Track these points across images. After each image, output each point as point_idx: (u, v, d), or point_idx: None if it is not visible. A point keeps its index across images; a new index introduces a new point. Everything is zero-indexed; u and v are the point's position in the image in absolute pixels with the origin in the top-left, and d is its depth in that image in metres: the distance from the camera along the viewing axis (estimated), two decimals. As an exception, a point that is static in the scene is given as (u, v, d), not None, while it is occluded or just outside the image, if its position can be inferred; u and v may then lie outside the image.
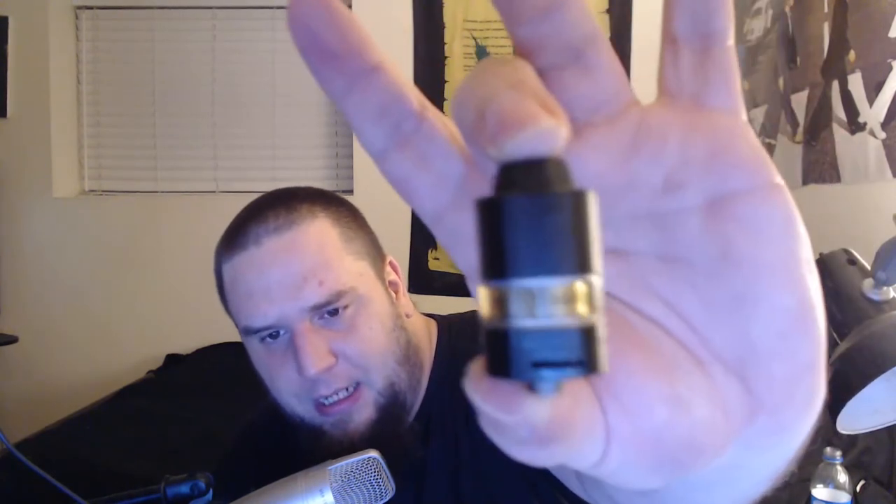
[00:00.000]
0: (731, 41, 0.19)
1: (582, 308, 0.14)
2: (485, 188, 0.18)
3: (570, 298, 0.14)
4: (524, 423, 0.15)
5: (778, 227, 0.18)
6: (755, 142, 0.18)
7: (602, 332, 0.14)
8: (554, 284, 0.14)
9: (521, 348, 0.14)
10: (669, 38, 0.19)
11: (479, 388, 0.15)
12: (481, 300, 0.15)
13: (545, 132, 0.14)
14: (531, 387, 0.14)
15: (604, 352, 0.14)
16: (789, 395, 0.18)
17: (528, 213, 0.14)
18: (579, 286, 0.14)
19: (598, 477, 0.18)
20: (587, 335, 0.14)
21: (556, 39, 0.17)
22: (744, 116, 0.19)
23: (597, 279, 0.14)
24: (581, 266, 0.14)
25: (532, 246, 0.14)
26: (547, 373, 0.14)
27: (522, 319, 0.14)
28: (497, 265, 0.14)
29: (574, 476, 0.34)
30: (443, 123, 0.19)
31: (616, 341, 0.18)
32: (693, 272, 0.18)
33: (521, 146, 0.14)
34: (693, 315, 0.18)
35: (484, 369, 0.15)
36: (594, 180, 0.18)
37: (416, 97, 0.18)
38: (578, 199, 0.14)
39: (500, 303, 0.14)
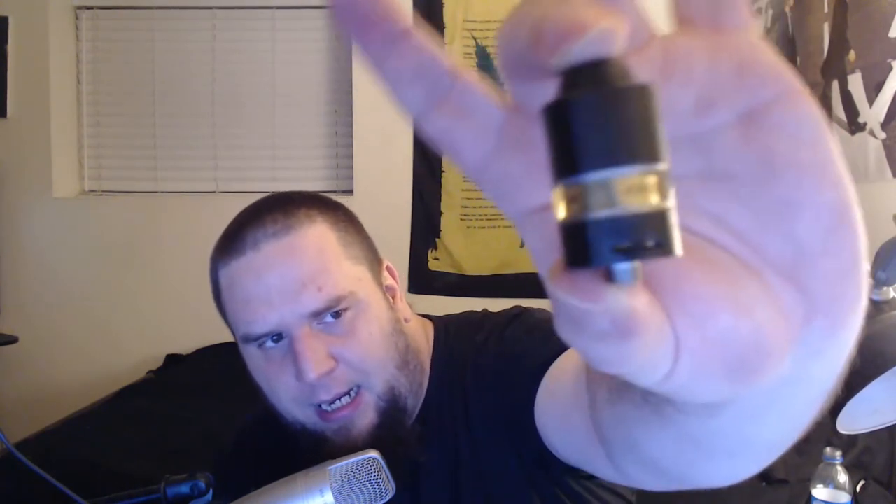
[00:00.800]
0: None
1: (654, 195, 0.15)
2: (526, 130, 0.19)
3: (643, 187, 0.15)
4: (607, 311, 0.16)
5: (811, 129, 0.18)
6: (773, 53, 0.19)
7: (674, 217, 0.15)
8: (627, 174, 0.14)
9: (599, 236, 0.15)
10: None
11: (560, 283, 0.16)
12: (555, 202, 0.16)
13: (605, 32, 0.14)
14: (610, 277, 0.15)
15: (677, 235, 0.15)
16: (840, 291, 0.19)
17: (597, 109, 0.14)
18: (650, 175, 0.15)
19: (670, 392, 0.19)
20: (661, 219, 0.15)
21: None
22: (756, 31, 0.20)
23: (665, 167, 0.15)
24: (651, 156, 0.15)
25: (603, 140, 0.14)
26: (626, 256, 0.15)
27: (599, 210, 0.15)
28: (571, 162, 0.15)
29: (601, 452, 0.34)
30: (476, 78, 0.20)
31: (676, 258, 0.19)
32: (737, 185, 0.19)
33: (583, 49, 0.14)
34: (742, 226, 0.19)
35: (563, 265, 0.16)
36: None
37: (447, 57, 0.20)
38: (643, 92, 0.15)
39: (576, 198, 0.15)
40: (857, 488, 1.15)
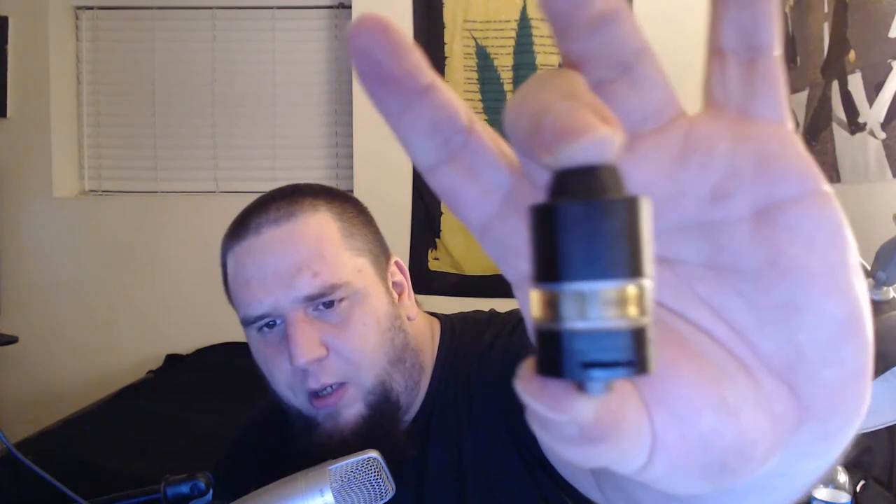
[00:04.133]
0: (778, 51, 0.19)
1: (632, 310, 0.14)
2: (532, 198, 0.18)
3: (621, 301, 0.14)
4: (573, 421, 0.15)
5: (826, 235, 0.18)
6: (803, 150, 0.18)
7: (651, 333, 0.15)
8: (605, 287, 0.14)
9: (573, 349, 0.14)
10: (716, 50, 0.19)
11: (529, 388, 0.15)
12: (533, 303, 0.15)
13: (600, 140, 0.14)
14: (581, 386, 0.15)
15: (653, 353, 0.15)
16: (837, 401, 0.18)
17: (582, 219, 0.14)
18: (630, 289, 0.14)
19: (644, 482, 0.18)
20: (637, 336, 0.14)
21: (606, 54, 0.17)
22: (791, 127, 0.19)
23: (647, 283, 0.15)
24: (632, 270, 0.14)
25: (585, 250, 0.14)
26: (597, 373, 0.14)
27: (574, 321, 0.14)
28: (550, 268, 0.15)
29: (591, 481, 0.34)
30: (490, 137, 0.19)
31: (664, 348, 0.18)
32: (741, 280, 0.18)
33: (576, 154, 0.14)
34: (741, 323, 0.19)
35: (534, 369, 0.15)
36: (642, 190, 0.19)
37: (465, 113, 0.19)
38: (631, 205, 0.14)
39: (552, 305, 0.15)
40: (857, 488, 1.15)
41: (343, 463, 0.58)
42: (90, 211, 2.79)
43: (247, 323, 0.67)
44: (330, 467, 0.57)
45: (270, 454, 0.77)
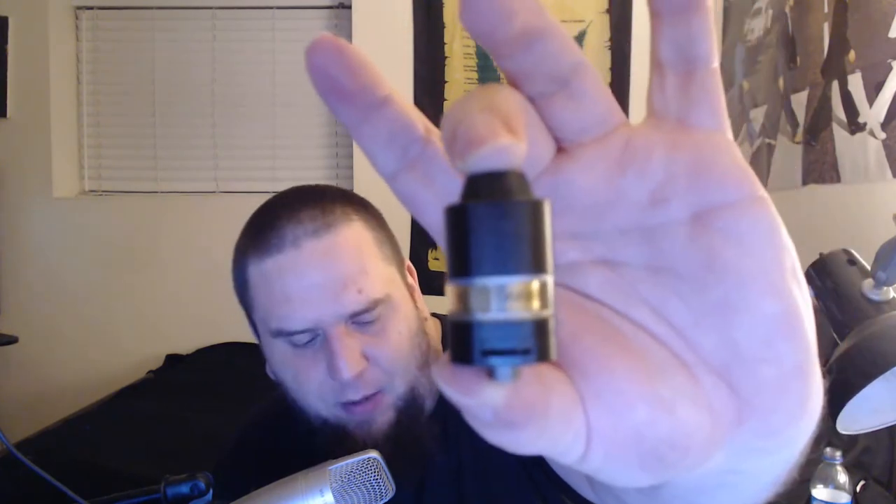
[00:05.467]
0: (715, 64, 0.19)
1: (534, 303, 0.16)
2: None
3: (524, 295, 0.16)
4: (484, 405, 0.16)
5: (760, 238, 0.19)
6: (738, 157, 0.19)
7: (552, 325, 0.16)
8: (509, 282, 0.15)
9: (479, 338, 0.16)
10: (656, 62, 0.20)
11: (442, 375, 0.17)
12: (448, 297, 0.16)
13: (502, 148, 0.15)
14: (490, 373, 0.16)
15: (553, 342, 0.16)
16: (777, 398, 0.19)
17: (487, 219, 0.15)
18: (532, 284, 0.16)
19: (587, 472, 0.19)
20: (538, 327, 0.16)
21: (540, 70, 0.18)
22: (729, 134, 0.20)
23: (549, 278, 0.16)
24: (534, 267, 0.16)
25: (490, 248, 0.15)
26: (499, 360, 0.16)
27: (480, 313, 0.16)
28: (460, 265, 0.16)
29: (585, 480, 0.34)
30: None
31: (600, 343, 0.19)
32: (679, 281, 0.19)
33: (481, 159, 0.15)
34: (680, 322, 0.19)
35: (448, 358, 0.16)
36: (582, 196, 0.20)
37: (421, 123, 0.20)
38: (533, 207, 0.16)
39: (463, 298, 0.16)
40: (857, 488, 1.15)
41: (343, 463, 0.58)
42: (90, 211, 2.79)
43: (279, 335, 0.65)
44: (330, 467, 0.57)
45: (271, 454, 0.77)
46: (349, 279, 0.63)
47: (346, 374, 0.62)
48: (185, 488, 0.63)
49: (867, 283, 0.80)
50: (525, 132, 0.16)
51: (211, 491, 0.64)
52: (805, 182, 1.73)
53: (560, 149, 0.20)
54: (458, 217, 0.16)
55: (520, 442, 0.17)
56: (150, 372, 2.52)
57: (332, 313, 0.63)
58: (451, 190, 0.20)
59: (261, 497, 0.57)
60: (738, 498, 0.23)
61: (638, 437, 0.18)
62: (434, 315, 0.81)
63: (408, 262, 0.76)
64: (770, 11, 2.02)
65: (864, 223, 1.45)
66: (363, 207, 0.71)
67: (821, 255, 0.86)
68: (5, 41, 2.67)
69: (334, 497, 0.56)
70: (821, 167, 1.66)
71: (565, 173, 0.20)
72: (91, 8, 2.82)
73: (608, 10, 2.55)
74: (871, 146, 1.44)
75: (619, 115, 0.20)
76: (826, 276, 0.84)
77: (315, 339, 0.65)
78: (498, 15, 0.17)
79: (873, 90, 1.43)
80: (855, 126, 1.50)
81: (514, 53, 0.18)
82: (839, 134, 1.57)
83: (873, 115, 1.43)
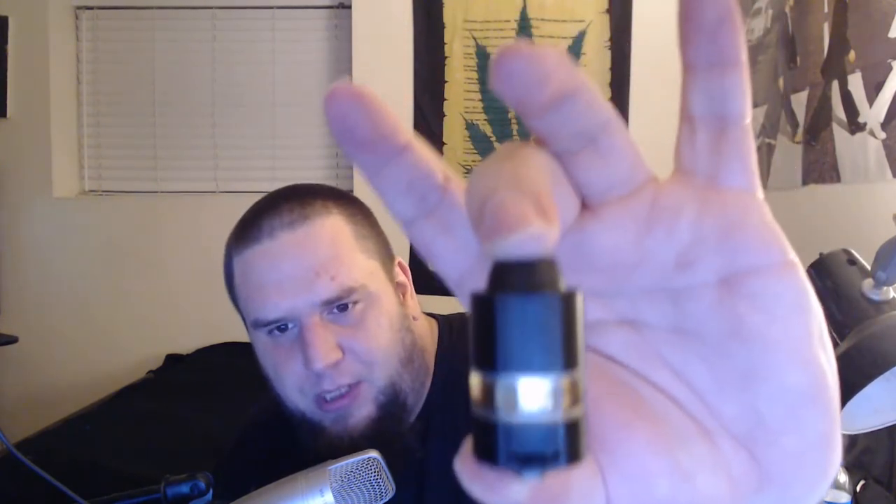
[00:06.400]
0: (747, 120, 0.19)
1: (564, 403, 0.15)
2: None
3: (553, 394, 0.15)
4: (508, 502, 0.15)
5: (789, 305, 0.18)
6: (769, 219, 0.19)
7: (583, 424, 0.15)
8: (537, 382, 0.15)
9: (506, 440, 0.15)
10: (687, 117, 0.19)
11: (465, 471, 0.16)
12: (472, 386, 0.16)
13: (534, 236, 0.14)
14: (517, 473, 0.15)
15: (584, 442, 0.15)
16: (798, 469, 0.19)
17: (516, 313, 0.15)
18: (563, 383, 0.15)
19: None
20: (568, 430, 0.15)
21: (568, 128, 0.18)
22: (760, 194, 0.19)
23: (579, 374, 0.15)
24: (564, 364, 0.15)
25: (519, 344, 0.15)
26: (526, 466, 0.15)
27: (507, 413, 0.15)
28: (486, 358, 0.15)
29: None
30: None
31: (622, 412, 0.18)
32: (703, 346, 0.19)
33: (511, 248, 0.14)
34: (702, 387, 0.19)
35: (472, 451, 0.16)
36: (607, 256, 0.19)
37: (440, 171, 0.19)
38: (565, 301, 0.15)
39: (488, 393, 0.15)
40: (857, 488, 1.15)
41: (343, 463, 0.58)
42: (90, 211, 2.79)
43: (258, 326, 0.66)
44: (330, 467, 0.57)
45: (271, 454, 0.77)
46: (321, 267, 0.64)
47: (319, 364, 0.62)
48: (185, 488, 0.63)
49: (867, 283, 0.80)
50: (556, 210, 0.15)
51: (211, 491, 0.64)
52: (805, 182, 1.73)
53: (585, 206, 0.19)
54: (485, 307, 0.15)
55: None
56: (150, 372, 2.52)
57: (305, 302, 0.64)
58: (468, 239, 0.20)
59: (261, 497, 0.57)
60: None
61: None
62: (433, 315, 0.81)
63: (399, 259, 0.76)
64: (770, 11, 2.02)
65: (864, 223, 1.45)
66: (349, 203, 0.71)
67: (821, 255, 0.86)
68: (5, 41, 2.67)
69: (334, 497, 0.56)
70: (821, 167, 1.66)
71: (590, 232, 0.19)
72: (91, 8, 2.82)
73: (608, 10, 2.55)
74: (871, 146, 1.44)
75: (646, 171, 0.19)
76: (826, 276, 0.84)
77: (291, 330, 0.66)
78: (533, 81, 0.16)
79: (873, 90, 1.43)
80: (855, 126, 1.50)
81: (542, 115, 0.17)
82: (839, 134, 1.57)
83: (873, 115, 1.43)
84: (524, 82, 0.17)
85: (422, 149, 0.19)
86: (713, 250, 0.18)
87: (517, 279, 0.15)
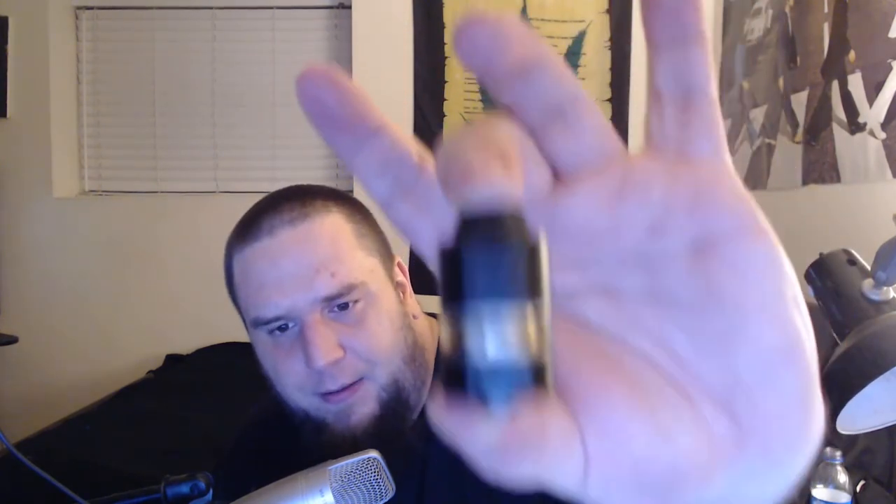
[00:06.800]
0: (713, 93, 0.19)
1: (530, 342, 0.16)
2: None
3: (519, 334, 0.16)
4: (478, 442, 0.16)
5: (761, 267, 0.18)
6: (738, 186, 0.19)
7: (549, 362, 0.16)
8: (504, 321, 0.16)
9: (473, 376, 0.16)
10: (653, 92, 0.20)
11: (436, 411, 0.16)
12: (442, 332, 0.16)
13: (497, 182, 0.15)
14: (486, 410, 0.16)
15: (550, 380, 0.16)
16: (778, 428, 0.19)
17: (481, 260, 0.16)
18: (528, 323, 0.16)
19: (586, 502, 0.19)
20: (533, 365, 0.16)
21: (537, 101, 0.18)
22: (729, 164, 0.20)
23: (545, 316, 0.16)
24: (528, 308, 0.16)
25: (485, 287, 0.16)
26: (495, 398, 0.16)
27: (474, 353, 0.16)
28: (453, 304, 0.16)
29: None
30: None
31: (598, 371, 0.19)
32: (679, 311, 0.19)
33: (475, 194, 0.15)
34: (679, 350, 0.19)
35: (443, 394, 0.16)
36: (581, 226, 0.20)
37: (415, 151, 0.20)
38: (529, 248, 0.16)
39: (456, 336, 0.16)
40: (857, 488, 1.15)
41: (343, 463, 0.58)
42: (90, 211, 2.79)
43: (258, 325, 0.66)
44: (330, 467, 0.57)
45: (271, 454, 0.77)
46: (321, 264, 0.64)
47: (320, 362, 0.62)
48: (185, 488, 0.63)
49: (867, 283, 0.80)
50: (520, 166, 0.16)
51: (211, 491, 0.64)
52: (805, 182, 1.73)
53: (558, 179, 0.20)
54: (451, 259, 0.16)
55: (515, 475, 0.17)
56: (150, 372, 2.52)
57: (305, 299, 0.64)
58: (446, 218, 0.20)
59: (261, 497, 0.57)
60: None
61: (637, 465, 0.18)
62: (431, 315, 0.81)
63: (398, 259, 0.76)
64: (770, 11, 2.02)
65: (864, 223, 1.45)
66: (349, 202, 0.71)
67: (821, 255, 0.86)
68: (5, 41, 2.67)
69: (334, 497, 0.56)
70: (821, 167, 1.66)
71: (563, 203, 0.19)
72: (91, 8, 2.82)
73: (608, 10, 2.55)
74: (871, 146, 1.44)
75: (617, 144, 0.20)
76: (826, 276, 0.84)
77: (292, 329, 0.66)
78: (493, 47, 0.17)
79: (873, 90, 1.43)
80: (855, 126, 1.50)
81: (510, 86, 0.18)
82: (839, 134, 1.57)
83: (873, 115, 1.43)
84: (486, 49, 0.17)
85: (396, 130, 0.20)
86: (685, 216, 0.19)
87: (482, 228, 0.16)
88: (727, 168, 0.19)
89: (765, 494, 0.21)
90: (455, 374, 0.16)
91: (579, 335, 0.20)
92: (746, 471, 0.19)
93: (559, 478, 0.18)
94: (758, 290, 0.18)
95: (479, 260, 0.15)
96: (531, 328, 0.16)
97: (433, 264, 0.20)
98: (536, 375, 0.16)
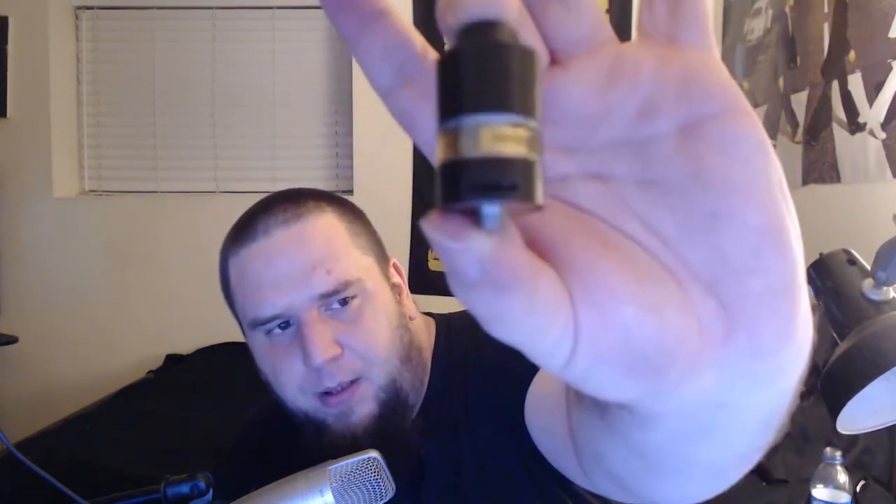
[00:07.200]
0: None
1: (521, 146, 0.16)
2: None
3: (511, 137, 0.16)
4: (470, 251, 0.16)
5: (747, 149, 0.19)
6: (725, 73, 0.20)
7: (540, 169, 0.16)
8: (497, 121, 0.16)
9: (466, 174, 0.16)
10: None
11: (430, 220, 0.17)
12: (437, 147, 0.17)
13: None
14: (478, 222, 0.16)
15: (540, 186, 0.16)
16: (765, 313, 0.19)
17: (477, 59, 0.16)
18: (521, 127, 0.16)
19: (573, 380, 0.19)
20: (524, 167, 0.16)
21: None
22: (716, 54, 0.20)
23: (536, 123, 0.16)
24: (523, 109, 0.16)
25: (478, 88, 0.16)
26: (484, 195, 0.16)
27: (467, 151, 0.16)
28: (449, 106, 0.16)
29: (575, 464, 0.34)
30: None
31: (590, 244, 0.19)
32: (668, 193, 0.20)
33: (472, 7, 0.16)
34: (668, 233, 0.20)
35: (437, 204, 0.17)
36: (573, 108, 0.20)
37: (419, 41, 0.20)
38: (523, 54, 0.16)
39: (452, 140, 0.16)
40: (857, 488, 1.15)
41: (343, 463, 0.58)
42: (90, 211, 2.79)
43: (255, 325, 0.66)
44: (330, 467, 0.57)
45: (271, 454, 0.77)
46: (317, 262, 0.64)
47: (318, 359, 0.62)
48: (185, 488, 0.63)
49: (867, 283, 0.80)
50: None
51: (211, 491, 0.64)
52: (805, 182, 1.73)
53: (552, 60, 0.20)
54: (446, 62, 0.16)
55: (505, 312, 0.17)
56: (150, 372, 2.52)
57: (301, 297, 0.64)
58: None
59: (261, 497, 0.57)
60: (728, 446, 0.24)
61: (626, 336, 0.18)
62: (430, 314, 0.82)
63: (394, 260, 0.77)
64: (770, 11, 2.02)
65: (864, 223, 1.45)
66: (342, 203, 0.72)
67: (821, 255, 0.86)
68: (5, 41, 2.67)
69: (334, 497, 0.56)
70: (821, 167, 1.66)
71: (557, 84, 0.20)
72: (91, 8, 2.82)
73: (608, 10, 2.55)
74: (871, 146, 1.44)
75: (609, 30, 0.20)
76: (826, 276, 0.84)
77: (289, 329, 0.66)
78: None
79: (873, 90, 1.43)
80: (855, 126, 1.50)
81: None
82: (839, 134, 1.57)
83: (873, 115, 1.43)
84: None
85: (401, 18, 0.20)
86: (673, 99, 0.19)
87: (478, 36, 0.16)
88: (715, 57, 0.20)
89: (754, 407, 0.22)
90: (447, 175, 0.16)
91: (571, 216, 0.20)
92: (735, 369, 0.20)
93: (548, 342, 0.18)
94: (743, 169, 0.19)
95: (475, 58, 0.16)
96: (525, 129, 0.16)
97: (431, 153, 0.21)
98: (528, 176, 0.16)
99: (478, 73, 0.16)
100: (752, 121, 0.19)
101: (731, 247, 0.19)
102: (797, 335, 0.20)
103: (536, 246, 0.19)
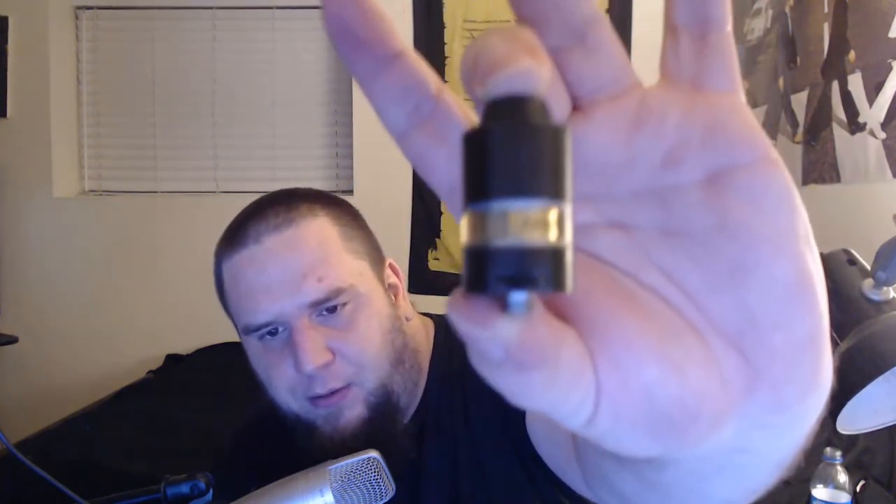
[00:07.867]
0: (728, 27, 0.19)
1: (552, 231, 0.15)
2: None
3: (541, 222, 0.15)
4: (496, 339, 0.16)
5: (773, 199, 0.18)
6: (752, 119, 0.19)
7: (570, 255, 0.16)
8: (525, 207, 0.15)
9: (494, 264, 0.15)
10: (670, 26, 0.20)
11: (456, 305, 0.16)
12: (463, 227, 0.16)
13: (524, 71, 0.15)
14: (504, 307, 0.16)
15: (570, 273, 0.16)
16: (789, 368, 0.19)
17: (507, 141, 0.15)
18: (551, 211, 0.15)
19: (594, 438, 0.19)
20: (555, 255, 0.15)
21: (558, 19, 0.18)
22: (742, 97, 0.20)
23: (567, 207, 0.16)
24: (553, 193, 0.15)
25: (507, 171, 0.15)
26: (514, 287, 0.15)
27: (495, 238, 0.15)
28: (477, 189, 0.15)
29: (578, 473, 0.34)
30: (458, 105, 0.20)
31: (611, 302, 0.19)
32: (691, 244, 0.19)
33: (502, 82, 0.15)
34: (691, 285, 0.19)
35: (463, 289, 0.16)
36: (597, 157, 0.19)
37: (434, 81, 0.20)
38: (554, 132, 0.15)
39: (479, 225, 0.15)
40: (857, 488, 1.15)
41: (343, 463, 0.58)
42: (90, 211, 2.79)
43: (249, 331, 0.66)
44: (330, 467, 0.57)
45: (270, 454, 0.77)
46: (309, 269, 0.64)
47: (309, 366, 0.62)
48: (185, 488, 0.63)
49: (867, 283, 0.80)
50: (546, 55, 0.16)
51: (211, 491, 0.64)
52: (805, 182, 1.73)
53: (576, 108, 0.20)
54: (475, 140, 0.15)
55: (529, 388, 0.16)
56: (150, 372, 2.52)
57: (293, 304, 0.64)
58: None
59: (261, 497, 0.57)
60: (742, 483, 0.23)
61: (648, 397, 0.18)
62: (429, 315, 0.81)
63: (390, 261, 0.76)
64: (770, 11, 2.02)
65: (864, 223, 1.45)
66: (336, 205, 0.71)
67: (821, 255, 0.86)
68: (5, 41, 2.67)
69: (334, 497, 0.56)
70: (821, 167, 1.66)
71: (579, 131, 0.19)
72: (91, 8, 2.82)
73: (608, 10, 2.55)
74: (871, 146, 1.44)
75: (633, 74, 0.20)
76: (826, 276, 0.84)
77: (281, 334, 0.66)
78: None
79: (873, 90, 1.43)
80: (855, 126, 1.50)
81: (531, 1, 0.18)
82: (839, 134, 1.57)
83: (873, 115, 1.43)
84: None
85: (416, 58, 0.19)
86: (699, 148, 0.19)
87: (509, 112, 0.15)
88: (741, 100, 0.19)
89: (771, 452, 0.21)
90: (474, 262, 0.15)
91: (592, 269, 0.20)
92: (756, 420, 0.19)
93: (570, 404, 0.17)
94: (771, 221, 0.18)
95: (504, 138, 0.15)
96: (555, 214, 0.15)
97: (447, 196, 0.20)
98: (557, 265, 0.15)
99: (507, 156, 0.15)
100: (780, 170, 0.19)
101: (757, 300, 0.18)
102: (819, 386, 0.19)
103: (556, 300, 0.18)
